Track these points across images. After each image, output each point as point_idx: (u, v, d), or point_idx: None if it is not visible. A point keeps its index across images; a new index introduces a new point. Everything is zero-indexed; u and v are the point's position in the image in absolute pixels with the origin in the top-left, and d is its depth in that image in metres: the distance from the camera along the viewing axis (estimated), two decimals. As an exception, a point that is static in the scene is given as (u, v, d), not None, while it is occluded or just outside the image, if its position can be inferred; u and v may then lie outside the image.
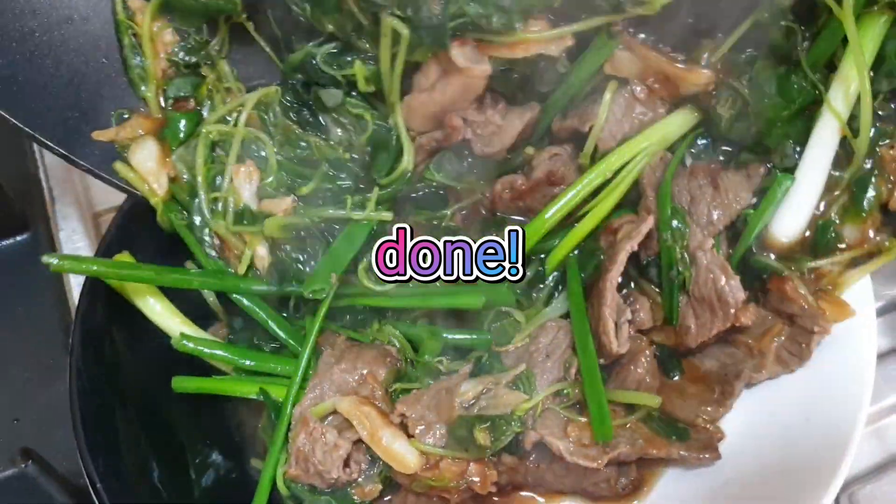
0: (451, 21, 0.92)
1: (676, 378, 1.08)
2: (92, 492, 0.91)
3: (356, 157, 1.07)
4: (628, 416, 1.00)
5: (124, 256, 1.08)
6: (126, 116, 1.09)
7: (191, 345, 1.07)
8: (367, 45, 1.00)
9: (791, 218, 0.96)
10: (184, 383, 1.07)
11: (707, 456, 0.98)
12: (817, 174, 0.93)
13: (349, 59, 1.03)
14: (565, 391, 1.02)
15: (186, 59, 1.09)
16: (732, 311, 0.97)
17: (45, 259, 1.00)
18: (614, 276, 1.00)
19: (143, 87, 1.09)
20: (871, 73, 0.86)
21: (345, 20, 0.99)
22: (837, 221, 0.96)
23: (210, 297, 1.10)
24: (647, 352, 1.04)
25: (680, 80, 0.99)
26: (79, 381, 0.98)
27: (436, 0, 0.92)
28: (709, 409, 1.03)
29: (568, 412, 1.01)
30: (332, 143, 1.07)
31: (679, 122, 1.05)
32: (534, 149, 1.11)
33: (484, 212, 1.13)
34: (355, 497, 1.00)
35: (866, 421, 1.06)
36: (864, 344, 0.95)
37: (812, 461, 0.89)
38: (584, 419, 0.99)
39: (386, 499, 1.03)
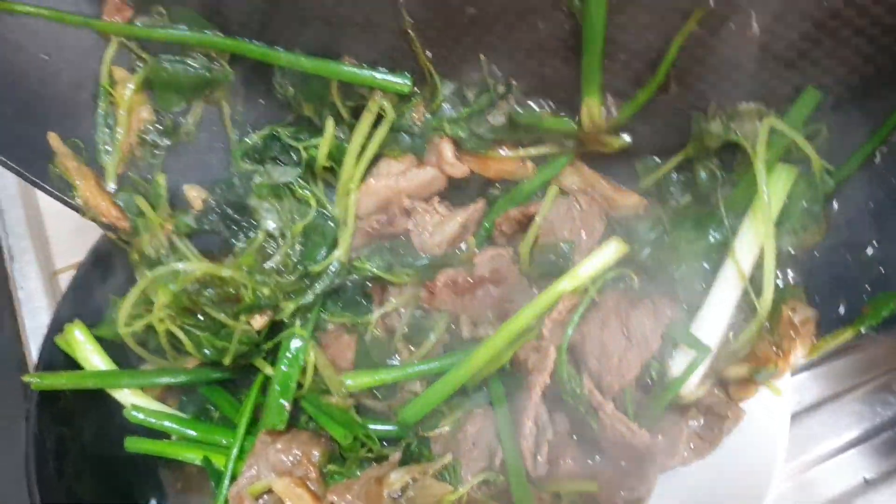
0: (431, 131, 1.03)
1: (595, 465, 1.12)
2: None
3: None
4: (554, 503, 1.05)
5: (77, 326, 1.13)
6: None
7: (141, 416, 1.13)
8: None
9: (694, 378, 0.98)
10: (136, 444, 1.14)
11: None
12: (717, 325, 0.95)
13: (311, 137, 1.10)
14: (491, 480, 1.07)
15: (158, 140, 1.10)
16: (642, 448, 1.03)
17: (27, 379, 1.07)
18: (532, 407, 1.03)
19: (105, 157, 1.09)
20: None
21: (323, 107, 1.06)
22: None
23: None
24: (572, 445, 1.10)
25: (613, 201, 1.06)
26: (35, 445, 1.05)
27: (419, 113, 1.02)
28: (623, 493, 1.08)
29: (494, 502, 1.06)
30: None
31: (609, 253, 1.03)
32: (475, 245, 1.15)
33: (421, 306, 1.16)
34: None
35: (792, 474, 1.13)
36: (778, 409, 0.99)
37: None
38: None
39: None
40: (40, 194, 1.48)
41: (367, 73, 1.00)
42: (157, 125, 1.10)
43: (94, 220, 1.09)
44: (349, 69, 1.00)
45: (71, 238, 1.43)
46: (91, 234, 1.20)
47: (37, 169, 1.06)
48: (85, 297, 1.19)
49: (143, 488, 1.20)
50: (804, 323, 0.93)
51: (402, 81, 1.01)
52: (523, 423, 1.04)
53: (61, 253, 1.44)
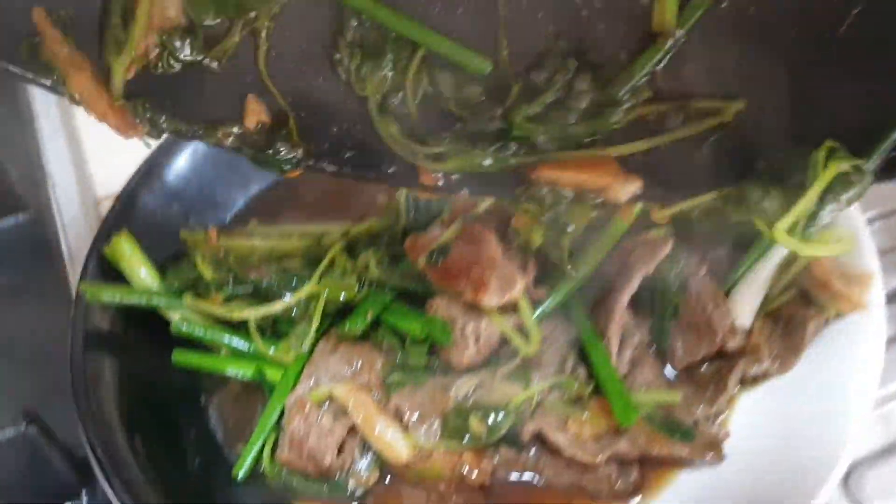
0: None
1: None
2: (92, 459, 0.90)
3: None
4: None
5: (124, 237, 1.08)
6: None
7: (187, 327, 1.06)
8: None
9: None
10: (184, 357, 1.06)
11: (711, 456, 0.95)
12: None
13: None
14: (563, 385, 1.00)
15: (184, 55, 0.78)
16: (719, 336, 0.99)
17: (82, 287, 1.03)
18: (625, 296, 0.99)
19: (112, 54, 0.77)
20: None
21: None
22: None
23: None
24: (650, 357, 1.03)
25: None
26: (81, 351, 0.99)
27: None
28: (702, 406, 1.01)
29: (566, 407, 0.99)
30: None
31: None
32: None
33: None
34: (351, 485, 0.98)
35: (875, 405, 1.05)
36: (871, 334, 0.92)
37: (812, 453, 0.87)
38: (584, 414, 0.97)
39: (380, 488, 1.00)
40: (81, 124, 1.49)
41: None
42: (186, 34, 0.78)
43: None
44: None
45: (113, 168, 1.38)
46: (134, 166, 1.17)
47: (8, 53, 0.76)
48: (132, 212, 1.14)
49: (187, 417, 1.10)
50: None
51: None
52: (613, 321, 0.98)
53: (105, 183, 1.39)
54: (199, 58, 0.78)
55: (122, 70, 0.77)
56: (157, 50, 0.77)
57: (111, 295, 1.04)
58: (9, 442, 0.92)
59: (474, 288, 0.97)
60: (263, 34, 0.78)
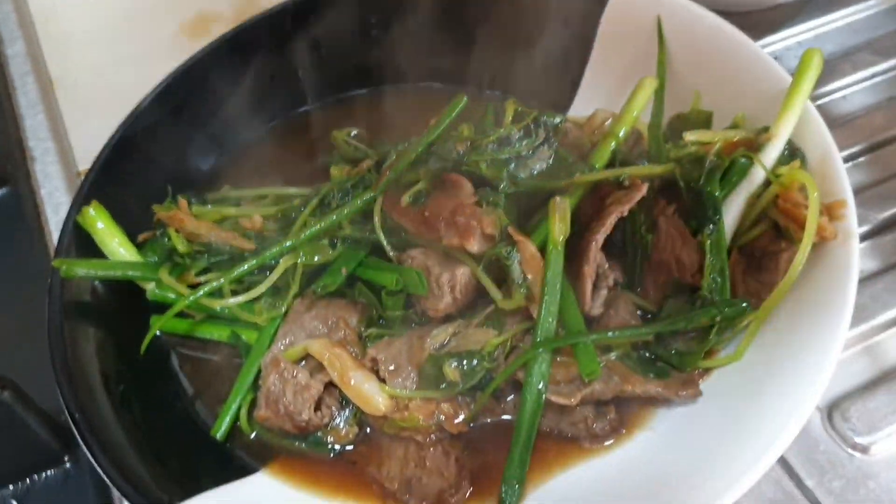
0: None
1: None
2: (70, 423, 0.90)
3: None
4: (604, 354, 0.96)
5: (94, 207, 1.08)
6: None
7: (161, 292, 1.07)
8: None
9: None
10: (161, 321, 1.06)
11: (687, 393, 0.95)
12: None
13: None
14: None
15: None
16: (689, 272, 0.98)
17: (56, 264, 1.01)
18: (600, 237, 0.98)
19: None
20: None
21: None
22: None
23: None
24: (624, 297, 1.03)
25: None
26: (57, 316, 0.99)
27: None
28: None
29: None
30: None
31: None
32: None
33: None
34: (330, 440, 0.99)
35: (858, 339, 1.09)
36: (845, 264, 0.91)
37: (785, 388, 0.86)
38: (558, 357, 0.96)
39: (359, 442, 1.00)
40: (62, 99, 1.49)
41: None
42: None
43: None
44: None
45: (94, 143, 1.38)
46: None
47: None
48: (106, 182, 1.14)
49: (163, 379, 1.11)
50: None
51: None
52: (588, 262, 0.97)
53: (85, 155, 1.39)
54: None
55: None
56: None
57: (85, 269, 1.04)
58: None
59: (460, 233, 0.96)
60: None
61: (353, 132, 1.26)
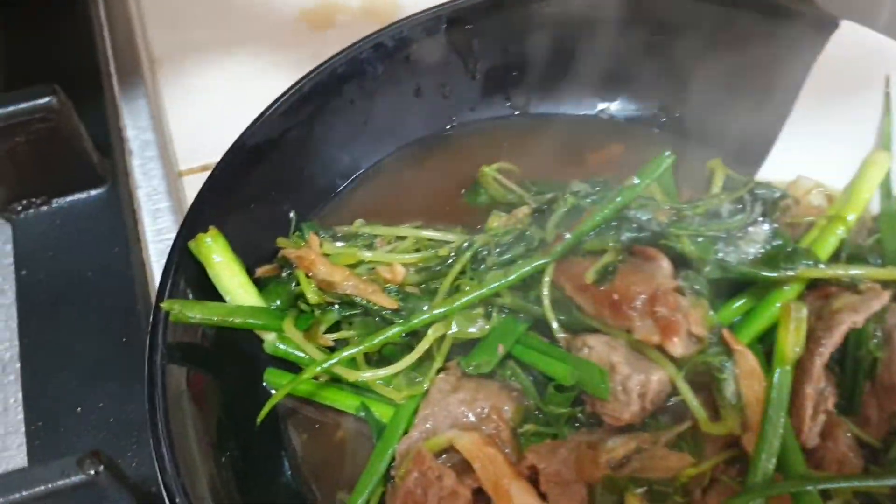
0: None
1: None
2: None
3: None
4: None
5: (213, 235, 0.91)
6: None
7: (284, 347, 0.91)
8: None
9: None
10: (277, 378, 0.92)
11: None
12: None
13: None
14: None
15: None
16: None
17: (165, 307, 0.85)
18: (826, 352, 0.80)
19: None
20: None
21: None
22: None
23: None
24: (844, 426, 0.84)
25: None
26: (159, 372, 0.81)
27: None
28: None
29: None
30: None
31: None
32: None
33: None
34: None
35: None
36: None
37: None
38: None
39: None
40: (164, 84, 1.32)
41: None
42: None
43: None
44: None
45: (194, 137, 1.21)
46: (220, 135, 0.98)
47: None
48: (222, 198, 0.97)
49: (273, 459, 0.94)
50: None
51: None
52: (810, 381, 0.79)
53: (187, 154, 1.21)
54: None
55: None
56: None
57: (202, 314, 0.87)
58: (75, 488, 0.75)
59: (661, 329, 0.78)
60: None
61: (499, 166, 1.08)
